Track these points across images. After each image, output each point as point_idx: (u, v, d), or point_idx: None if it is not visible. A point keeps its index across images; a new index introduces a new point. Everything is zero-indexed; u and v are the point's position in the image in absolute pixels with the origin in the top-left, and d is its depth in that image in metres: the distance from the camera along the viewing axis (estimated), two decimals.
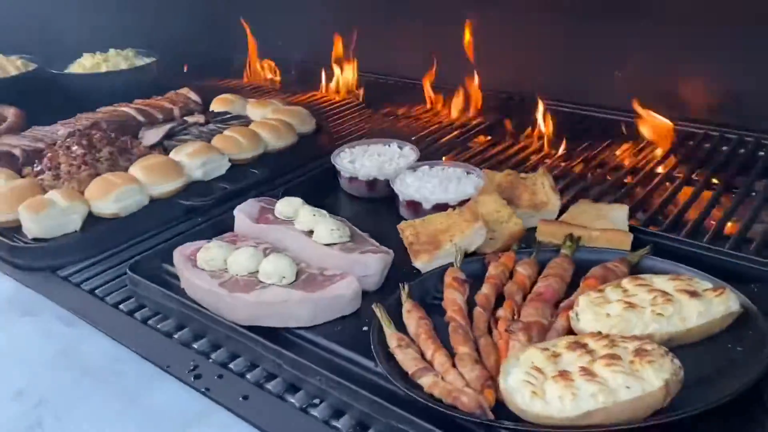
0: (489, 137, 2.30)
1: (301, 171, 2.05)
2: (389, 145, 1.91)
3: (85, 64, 2.71)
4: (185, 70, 3.22)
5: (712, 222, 1.60)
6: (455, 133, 2.32)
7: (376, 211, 1.73)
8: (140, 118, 2.34)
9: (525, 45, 2.41)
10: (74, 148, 1.87)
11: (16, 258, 1.62)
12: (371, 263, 1.35)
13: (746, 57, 1.99)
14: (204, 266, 1.38)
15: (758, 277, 1.32)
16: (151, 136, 2.20)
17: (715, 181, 1.83)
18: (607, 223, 1.49)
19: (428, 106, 2.59)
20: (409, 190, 1.63)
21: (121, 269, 1.58)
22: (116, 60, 2.75)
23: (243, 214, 1.56)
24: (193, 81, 2.96)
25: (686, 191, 1.81)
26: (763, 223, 1.60)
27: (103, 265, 1.62)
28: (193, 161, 1.90)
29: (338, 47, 2.89)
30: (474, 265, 1.38)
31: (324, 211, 1.52)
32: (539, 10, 2.36)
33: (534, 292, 1.26)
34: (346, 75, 2.88)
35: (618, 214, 1.52)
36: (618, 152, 2.07)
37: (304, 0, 3.08)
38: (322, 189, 1.87)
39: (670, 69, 2.15)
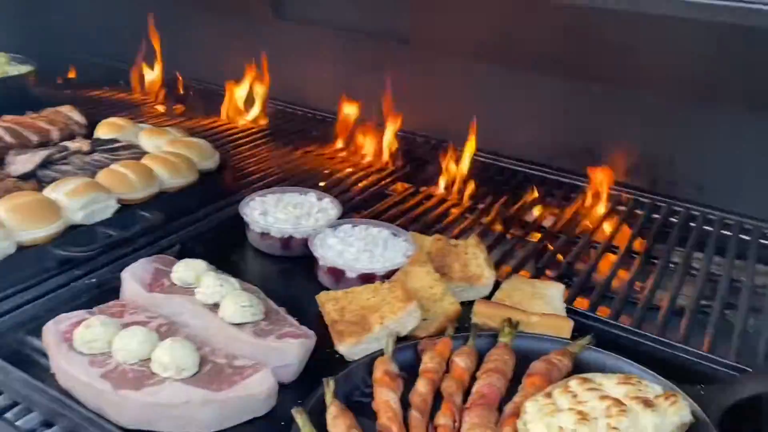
0: (407, 185, 2.17)
1: (201, 216, 1.81)
2: (305, 194, 1.72)
3: None
4: (59, 82, 2.88)
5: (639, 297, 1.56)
6: (372, 178, 2.17)
7: (291, 274, 1.53)
8: (9, 138, 2.01)
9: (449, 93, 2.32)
10: None
11: None
12: (290, 351, 1.16)
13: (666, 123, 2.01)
14: (83, 348, 1.13)
15: (704, 376, 1.26)
16: (22, 163, 1.88)
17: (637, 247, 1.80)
18: (544, 304, 1.38)
19: (340, 144, 2.43)
20: (329, 254, 1.45)
21: None
22: None
23: (133, 279, 1.31)
24: (75, 91, 2.66)
25: (609, 258, 1.77)
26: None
27: None
28: (74, 201, 1.61)
29: (250, 70, 2.67)
30: (406, 352, 1.22)
31: (233, 279, 1.30)
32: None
33: (476, 393, 1.12)
34: (256, 101, 2.66)
35: (554, 292, 1.42)
36: (536, 211, 2.01)
37: (204, 15, 2.86)
38: (227, 242, 1.65)
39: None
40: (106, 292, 1.38)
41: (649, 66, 1.91)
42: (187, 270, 1.32)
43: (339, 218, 1.60)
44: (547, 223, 1.94)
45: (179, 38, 2.89)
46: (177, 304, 1.25)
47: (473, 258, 1.48)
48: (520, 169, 2.24)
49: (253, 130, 2.55)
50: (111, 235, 1.61)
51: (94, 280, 1.50)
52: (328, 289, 1.44)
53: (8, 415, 1.12)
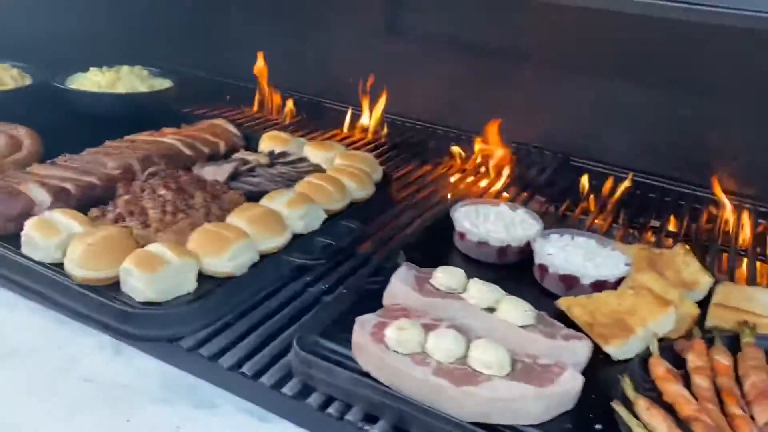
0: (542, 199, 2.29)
1: (393, 225, 1.94)
2: (498, 206, 1.84)
3: (98, 80, 2.39)
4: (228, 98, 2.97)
5: None
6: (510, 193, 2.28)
7: (509, 280, 1.62)
8: (187, 151, 2.10)
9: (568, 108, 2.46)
10: (162, 191, 1.62)
11: (128, 325, 1.37)
12: (580, 351, 1.28)
13: None
14: (397, 348, 1.23)
15: None
16: (212, 175, 1.97)
17: None
18: (762, 307, 1.51)
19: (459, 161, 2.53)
20: (560, 262, 1.57)
21: (254, 340, 1.40)
22: (130, 78, 2.46)
23: (406, 284, 1.42)
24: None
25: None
26: None
27: (229, 335, 1.41)
28: (294, 212, 1.72)
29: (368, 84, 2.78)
30: (665, 354, 1.34)
31: (495, 286, 1.42)
32: None
33: (753, 387, 1.25)
34: (374, 114, 2.77)
35: (765, 296, 1.56)
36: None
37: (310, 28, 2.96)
38: (435, 249, 1.76)
39: None
40: (364, 298, 1.48)
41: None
42: (452, 277, 1.43)
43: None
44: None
45: (284, 53, 2.99)
46: (457, 307, 1.36)
47: (685, 265, 1.60)
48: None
49: (377, 144, 2.66)
50: (330, 244, 1.71)
51: (326, 286, 1.62)
52: (555, 295, 1.55)
53: (330, 410, 1.23)
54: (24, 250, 1.52)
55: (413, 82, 2.79)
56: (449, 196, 2.20)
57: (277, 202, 1.74)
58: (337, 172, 1.99)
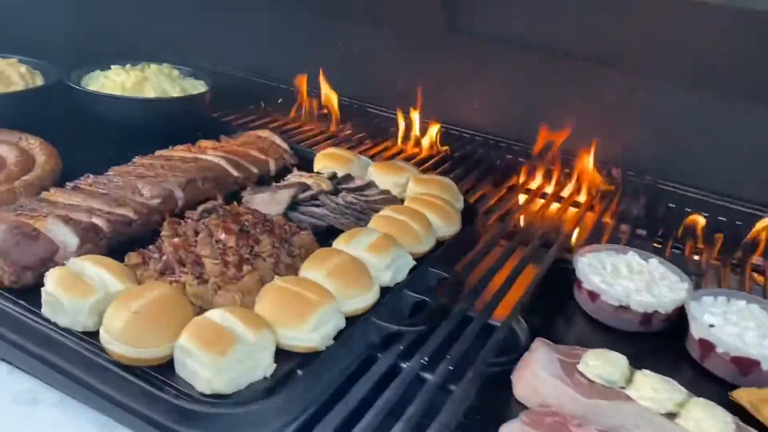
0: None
1: (484, 267, 1.58)
2: (625, 254, 1.50)
3: (121, 81, 2.03)
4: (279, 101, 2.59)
5: None
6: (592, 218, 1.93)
7: (652, 357, 1.31)
8: (234, 172, 1.75)
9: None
10: (222, 236, 1.27)
11: (188, 426, 1.02)
12: None
13: None
14: None
15: None
16: (265, 204, 1.62)
17: None
18: None
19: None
20: (731, 339, 1.24)
21: None
22: (158, 79, 2.09)
23: (548, 373, 1.08)
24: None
25: None
26: None
27: None
28: (380, 260, 1.38)
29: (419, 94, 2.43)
30: None
31: (672, 381, 1.09)
32: None
33: None
34: (430, 124, 2.43)
35: None
36: None
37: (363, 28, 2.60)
38: (555, 311, 1.43)
39: None
40: (488, 384, 1.14)
41: None
42: (612, 366, 1.10)
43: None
44: None
45: (332, 53, 2.64)
46: (629, 413, 1.03)
47: None
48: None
49: (437, 159, 2.31)
50: (425, 301, 1.37)
51: (426, 360, 1.27)
52: (722, 380, 1.23)
53: None
54: (45, 311, 1.17)
55: (473, 87, 2.46)
56: (551, 232, 1.81)
57: (355, 245, 1.39)
58: (419, 203, 1.64)
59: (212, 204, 1.40)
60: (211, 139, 1.94)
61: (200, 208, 1.40)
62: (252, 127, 2.35)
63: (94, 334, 1.14)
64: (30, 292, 1.23)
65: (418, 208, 1.61)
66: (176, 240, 1.28)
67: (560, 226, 1.76)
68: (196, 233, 1.29)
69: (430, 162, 2.26)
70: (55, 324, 1.16)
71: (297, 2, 2.63)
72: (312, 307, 1.17)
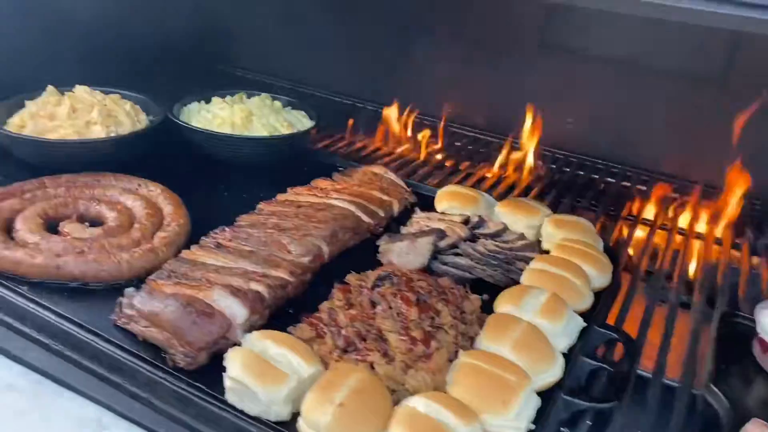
0: None
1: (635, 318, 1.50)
2: None
3: (230, 117, 1.94)
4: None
5: None
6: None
7: None
8: (365, 218, 1.67)
9: None
10: (403, 308, 1.19)
11: None
12: None
13: None
14: None
15: None
16: (404, 255, 1.55)
17: None
18: None
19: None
20: None
21: None
22: (263, 113, 2.01)
23: None
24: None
25: None
26: None
27: None
28: (554, 325, 1.30)
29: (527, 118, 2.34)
30: None
31: None
32: None
33: None
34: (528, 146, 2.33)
35: None
36: None
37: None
38: (742, 374, 1.35)
39: None
40: None
41: None
42: None
43: None
44: None
45: (417, 74, 2.54)
46: None
47: None
48: None
49: (541, 188, 2.21)
50: (611, 372, 1.29)
51: None
52: None
53: None
54: (230, 398, 1.10)
55: (571, 106, 2.36)
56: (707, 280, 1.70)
57: (525, 309, 1.32)
58: (568, 252, 1.56)
59: (387, 271, 1.32)
60: (318, 172, 1.87)
61: (372, 275, 1.31)
62: (345, 155, 2.28)
63: (287, 425, 1.07)
64: (204, 372, 1.16)
65: (568, 257, 1.53)
66: (353, 312, 1.20)
67: (719, 273, 1.67)
68: (373, 304, 1.21)
69: (534, 191, 2.17)
70: (242, 412, 1.09)
71: (374, 20, 2.54)
72: (513, 390, 1.10)
